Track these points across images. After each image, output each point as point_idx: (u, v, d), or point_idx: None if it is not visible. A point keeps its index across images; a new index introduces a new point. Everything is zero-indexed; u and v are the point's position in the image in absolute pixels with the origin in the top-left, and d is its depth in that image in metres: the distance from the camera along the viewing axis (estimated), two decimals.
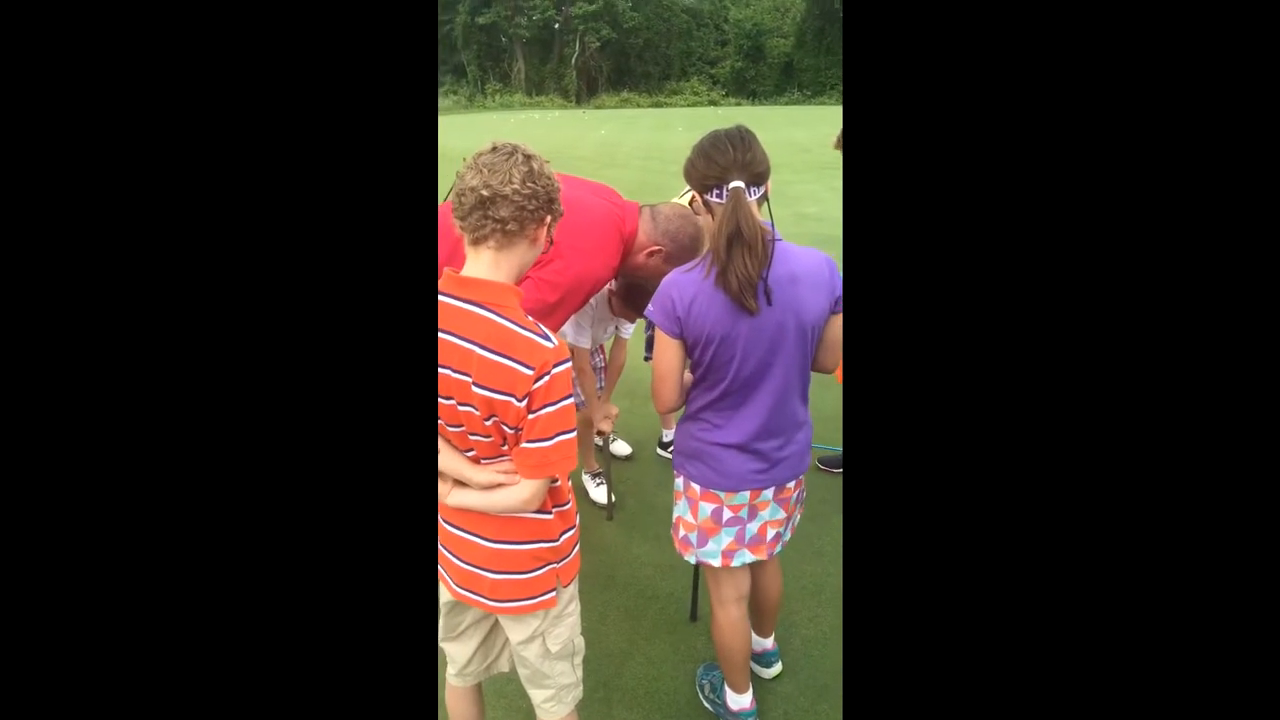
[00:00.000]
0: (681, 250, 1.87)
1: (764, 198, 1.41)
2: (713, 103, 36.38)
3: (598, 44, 38.37)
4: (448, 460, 1.21)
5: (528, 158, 1.11)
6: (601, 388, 2.72)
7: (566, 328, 2.46)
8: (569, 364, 1.13)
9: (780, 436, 1.51)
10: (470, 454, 1.20)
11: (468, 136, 16.72)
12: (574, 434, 1.16)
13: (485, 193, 1.07)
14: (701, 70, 40.71)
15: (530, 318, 1.15)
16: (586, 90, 39.20)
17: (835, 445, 3.10)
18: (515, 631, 1.34)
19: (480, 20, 37.42)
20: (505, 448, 1.18)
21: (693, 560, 1.64)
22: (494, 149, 1.11)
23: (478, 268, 1.14)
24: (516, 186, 1.07)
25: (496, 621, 1.42)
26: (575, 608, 1.40)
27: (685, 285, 1.38)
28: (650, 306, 1.44)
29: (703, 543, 1.60)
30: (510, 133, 18.23)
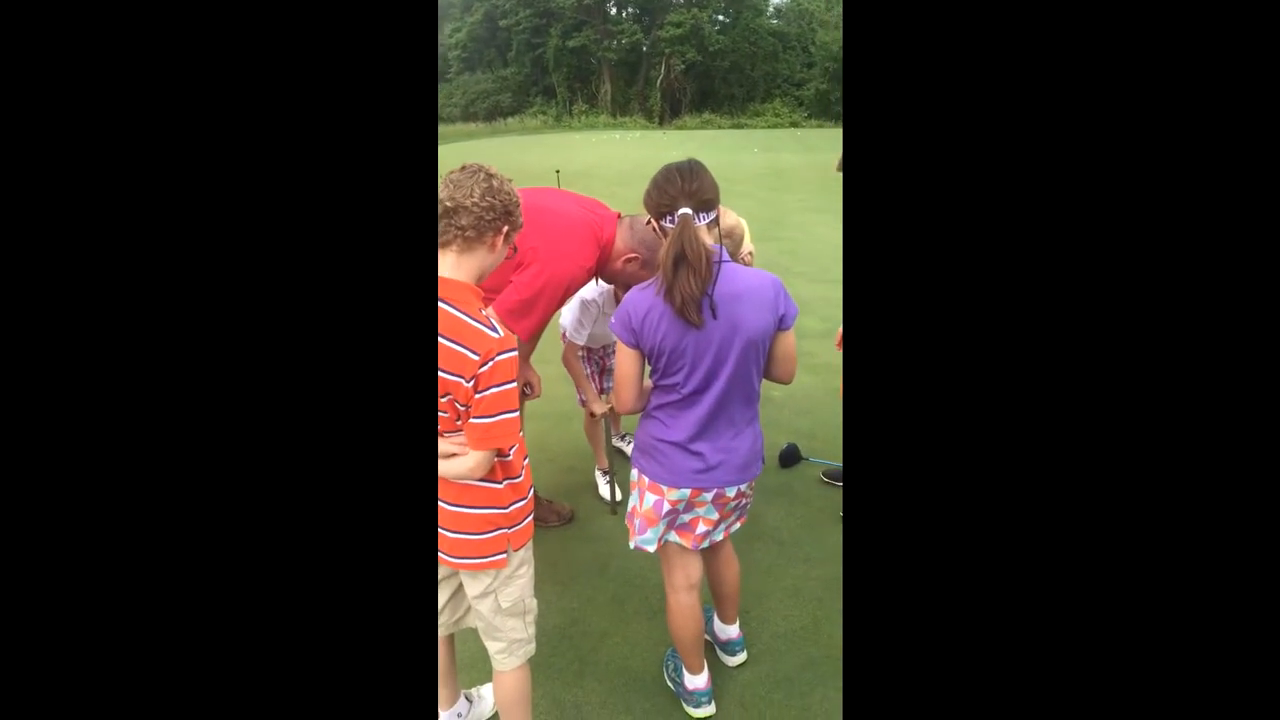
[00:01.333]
0: (655, 257, 2.01)
1: (714, 223, 1.57)
2: (794, 124, 36.19)
3: (683, 66, 38.93)
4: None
5: (489, 176, 1.31)
6: (611, 387, 2.93)
7: (566, 322, 2.70)
8: (514, 353, 1.31)
9: (719, 439, 1.65)
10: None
11: (554, 154, 17.38)
12: (516, 414, 1.34)
13: (449, 204, 1.29)
14: (786, 92, 40.60)
15: (485, 311, 1.35)
16: (670, 112, 39.76)
17: (839, 460, 3.17)
18: (471, 587, 1.53)
19: (571, 43, 38.69)
20: (459, 423, 1.36)
21: (632, 545, 1.79)
22: (463, 168, 1.32)
23: (443, 268, 1.33)
24: (476, 200, 1.28)
25: (461, 579, 1.61)
26: (527, 571, 1.57)
27: (640, 300, 1.55)
28: (612, 320, 1.61)
29: (642, 530, 1.75)
30: (591, 151, 18.83)
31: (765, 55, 40.58)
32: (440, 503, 1.45)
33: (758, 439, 1.71)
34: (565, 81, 39.56)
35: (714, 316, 1.51)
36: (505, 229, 1.34)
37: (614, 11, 40.18)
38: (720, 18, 40.50)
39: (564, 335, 2.75)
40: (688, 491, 1.67)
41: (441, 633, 1.70)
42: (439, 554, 1.49)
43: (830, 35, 39.36)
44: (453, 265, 1.33)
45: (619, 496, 2.93)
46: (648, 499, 1.72)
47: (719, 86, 40.28)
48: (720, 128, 34.88)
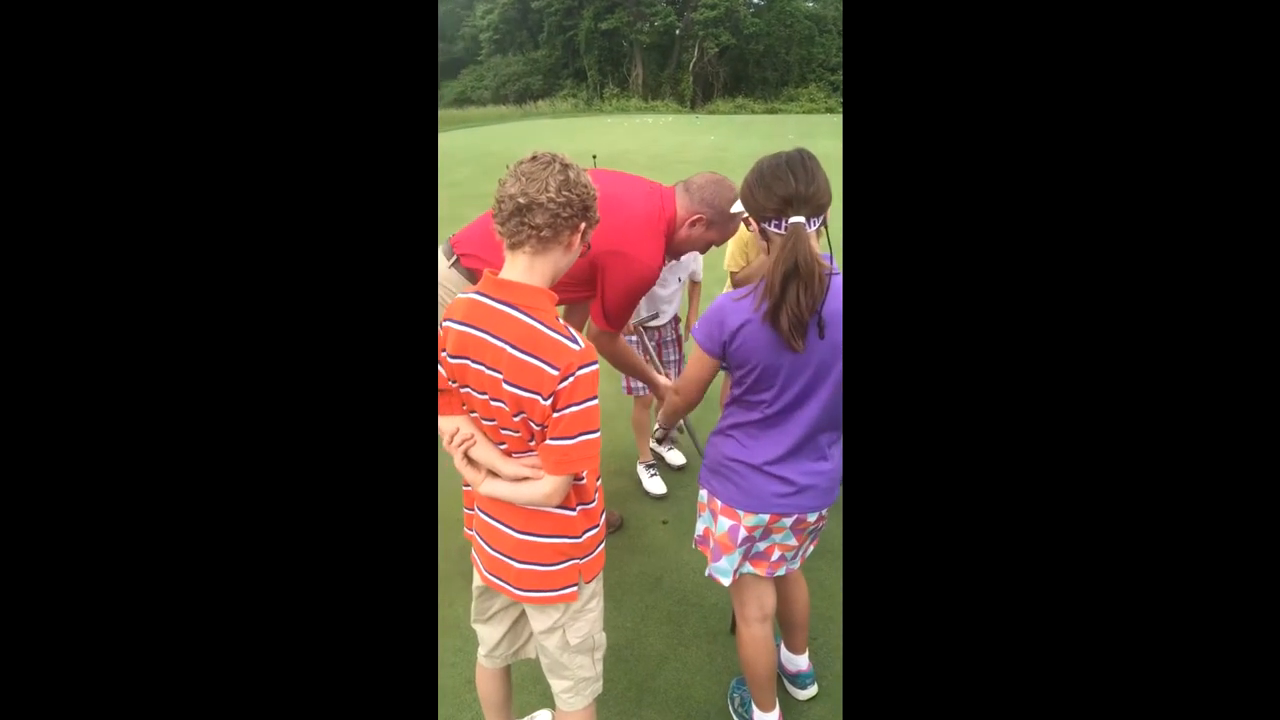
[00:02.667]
0: (720, 215, 1.90)
1: (824, 226, 1.39)
2: (830, 109, 35.45)
3: (716, 49, 38.32)
4: (482, 451, 1.28)
5: (565, 166, 1.15)
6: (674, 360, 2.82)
7: None
8: (595, 366, 1.19)
9: (804, 463, 1.50)
10: (503, 447, 1.28)
11: (586, 139, 17.19)
12: (597, 434, 1.20)
13: (522, 200, 1.13)
14: (821, 77, 39.76)
15: (561, 321, 1.21)
16: (701, 96, 39.23)
17: None
18: (538, 621, 1.41)
19: (604, 25, 38.26)
20: (533, 444, 1.23)
21: (706, 574, 1.65)
22: (534, 158, 1.16)
23: (513, 271, 1.20)
24: (552, 195, 1.12)
25: (524, 609, 1.49)
26: (597, 604, 1.45)
27: (734, 314, 1.38)
28: (696, 325, 1.45)
29: (716, 557, 1.62)
30: (622, 136, 18.56)
31: (801, 38, 39.76)
32: (503, 527, 1.33)
33: (840, 460, 1.55)
34: (597, 64, 39.16)
35: (820, 337, 1.34)
36: (583, 226, 1.20)
37: None
38: (755, 0, 39.76)
39: None
40: (766, 517, 1.53)
41: (497, 664, 1.59)
42: (500, 583, 1.37)
43: None
44: (525, 269, 1.19)
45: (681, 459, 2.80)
46: (721, 523, 1.58)
47: (752, 70, 39.61)
48: (754, 112, 34.28)
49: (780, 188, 1.32)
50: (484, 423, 1.27)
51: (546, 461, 1.20)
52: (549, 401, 1.15)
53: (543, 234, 1.15)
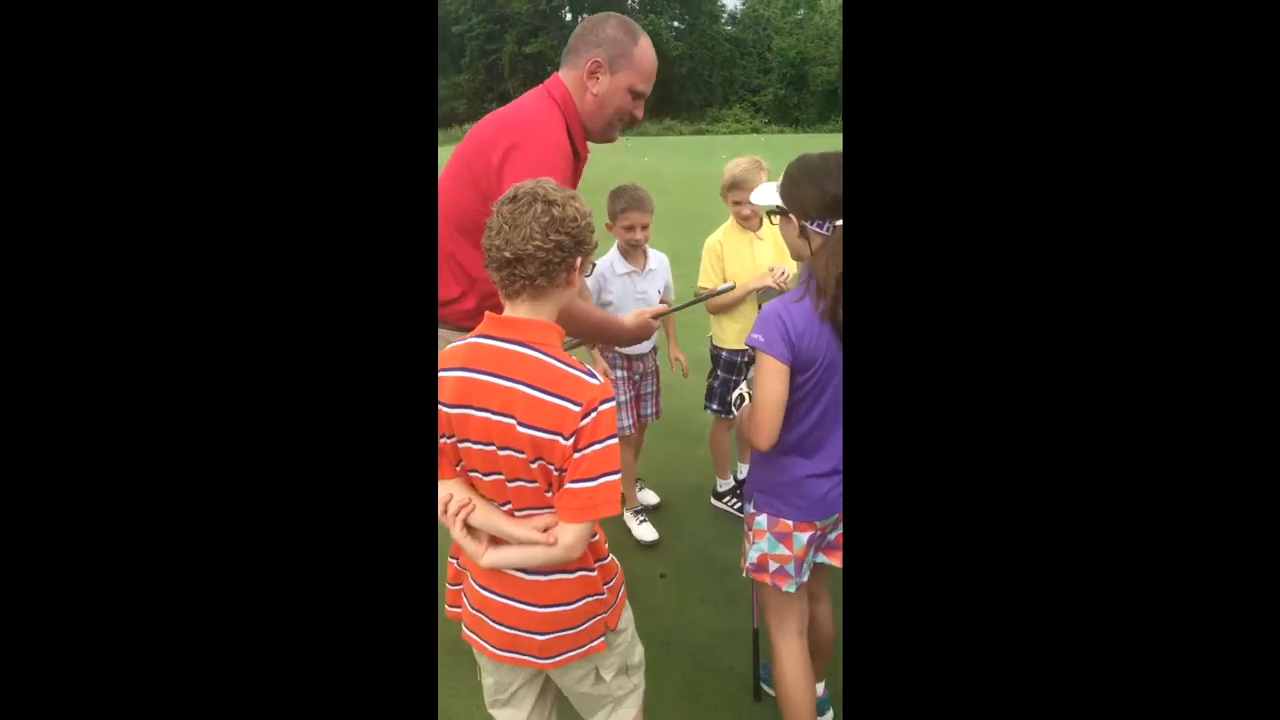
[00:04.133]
0: (620, 46, 1.61)
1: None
2: (755, 130, 36.43)
3: None
4: (483, 516, 1.15)
5: (549, 204, 1.06)
6: (649, 415, 2.73)
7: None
8: (614, 403, 1.12)
9: (838, 450, 1.52)
10: (505, 506, 1.16)
11: None
12: (619, 475, 1.11)
13: (509, 254, 1.06)
14: (744, 98, 40.84)
15: (574, 358, 1.14)
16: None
17: None
18: (565, 677, 1.31)
19: (527, 49, 38.20)
20: (549, 494, 1.13)
21: (792, 589, 1.56)
22: (515, 198, 1.07)
23: (517, 310, 1.13)
24: (539, 243, 1.05)
25: (547, 675, 1.36)
26: (628, 628, 1.37)
27: (796, 314, 1.39)
28: (756, 336, 1.41)
29: (798, 572, 1.56)
30: None
31: (722, 61, 40.81)
32: (517, 603, 1.19)
33: None
34: (521, 88, 38.89)
35: None
36: (579, 260, 1.13)
37: (569, 17, 39.80)
38: (676, 24, 40.59)
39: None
40: (837, 513, 1.54)
41: None
42: (520, 657, 1.23)
43: (787, 41, 39.85)
44: (529, 309, 1.13)
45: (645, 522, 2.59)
46: (798, 539, 1.53)
47: (677, 93, 40.31)
48: (681, 134, 34.86)
49: (833, 186, 1.33)
50: (483, 479, 1.15)
51: (566, 509, 1.10)
52: (570, 441, 1.07)
53: (537, 282, 1.09)
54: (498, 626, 1.23)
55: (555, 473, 1.10)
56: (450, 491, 1.16)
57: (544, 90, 1.64)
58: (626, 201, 2.51)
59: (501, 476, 1.13)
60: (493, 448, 1.11)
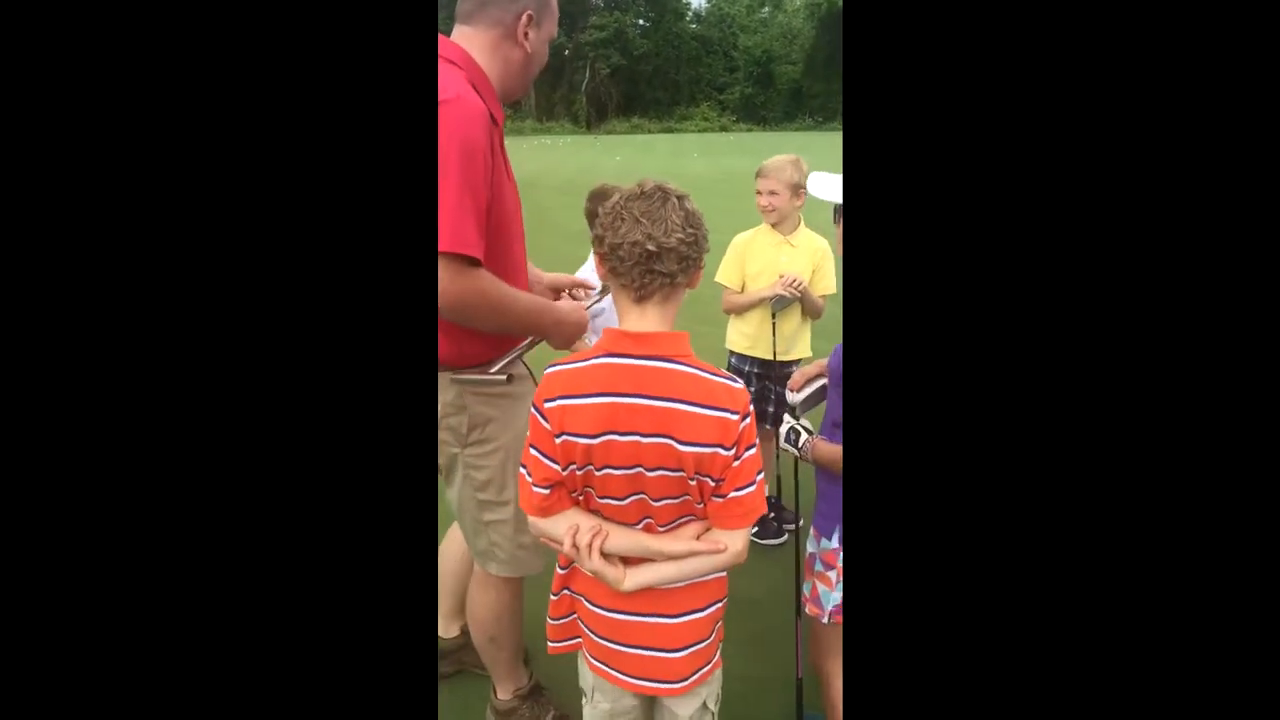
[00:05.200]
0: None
1: None
2: (723, 128, 36.63)
3: (608, 70, 38.78)
4: (625, 540, 1.10)
5: (680, 199, 1.05)
6: None
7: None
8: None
9: None
10: (638, 525, 1.13)
11: None
12: (763, 473, 1.12)
13: (651, 247, 1.02)
14: (710, 96, 41.04)
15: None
16: (596, 116, 39.54)
17: None
18: (684, 706, 1.23)
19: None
20: (701, 505, 1.11)
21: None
22: (643, 194, 1.05)
23: (647, 321, 1.07)
24: (681, 236, 1.02)
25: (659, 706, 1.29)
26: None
27: None
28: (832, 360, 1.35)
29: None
30: (525, 159, 18.19)
31: (689, 59, 40.96)
32: (655, 618, 1.14)
33: None
34: None
35: None
36: (703, 262, 1.11)
37: None
38: (641, 22, 40.62)
39: None
40: None
41: None
42: (656, 685, 1.17)
43: (752, 40, 40.14)
44: (659, 317, 1.08)
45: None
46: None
47: (644, 90, 40.38)
48: (651, 132, 34.87)
49: None
50: (616, 504, 1.11)
51: (730, 516, 1.09)
52: (731, 450, 1.05)
53: (677, 280, 1.05)
54: (632, 650, 1.17)
55: (712, 484, 1.08)
56: (575, 522, 1.10)
57: (441, 60, 1.33)
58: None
59: (643, 497, 1.09)
60: (638, 470, 1.07)
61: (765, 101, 39.73)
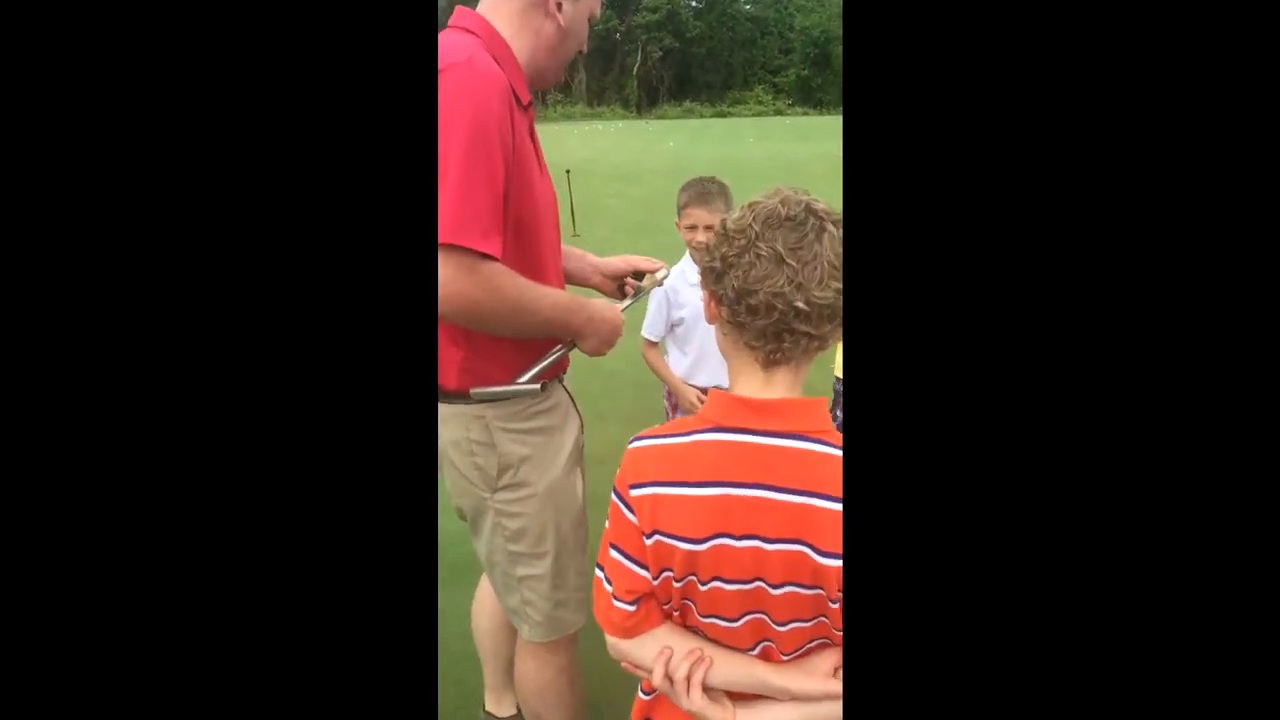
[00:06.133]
0: None
1: None
2: (779, 112, 35.79)
3: (660, 53, 38.26)
4: (735, 671, 0.89)
5: (836, 224, 0.82)
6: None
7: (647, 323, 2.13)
8: None
9: None
10: (752, 651, 0.91)
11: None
12: None
13: (799, 304, 0.79)
14: (764, 79, 40.16)
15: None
16: (647, 100, 39.13)
17: None
18: None
19: None
20: (840, 632, 0.91)
21: None
22: (789, 217, 0.80)
23: (776, 387, 0.86)
24: (837, 285, 0.80)
25: None
26: None
27: None
28: None
29: None
30: (575, 145, 17.84)
31: (743, 41, 40.13)
32: None
33: None
34: None
35: None
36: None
37: None
38: (694, 3, 39.93)
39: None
40: None
41: None
42: None
43: (810, 19, 39.00)
44: (790, 383, 0.85)
45: None
46: None
47: (696, 74, 39.81)
48: (703, 116, 34.31)
49: None
50: (724, 624, 0.90)
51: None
52: None
53: (827, 343, 0.85)
54: None
55: (831, 604, 0.88)
56: (668, 645, 0.88)
57: (451, 30, 1.22)
58: (690, 195, 2.03)
59: (763, 617, 0.88)
60: (758, 584, 0.86)
61: (822, 84, 38.61)
